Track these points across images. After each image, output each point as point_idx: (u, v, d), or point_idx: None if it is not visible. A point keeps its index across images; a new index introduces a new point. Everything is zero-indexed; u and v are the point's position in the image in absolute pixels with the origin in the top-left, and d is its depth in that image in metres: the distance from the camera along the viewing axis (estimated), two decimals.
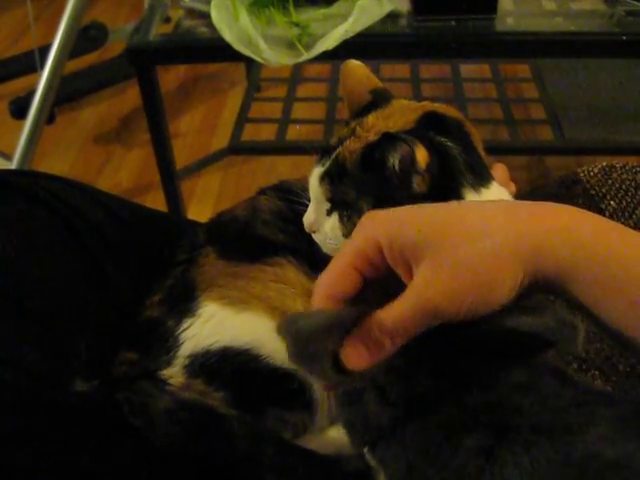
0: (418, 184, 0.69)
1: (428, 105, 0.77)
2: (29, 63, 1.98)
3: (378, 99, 0.79)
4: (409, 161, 0.67)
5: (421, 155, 0.67)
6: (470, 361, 0.55)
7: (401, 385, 0.56)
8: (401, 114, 0.74)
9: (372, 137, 0.72)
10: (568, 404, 0.52)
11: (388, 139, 0.68)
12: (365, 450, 0.62)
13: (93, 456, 0.63)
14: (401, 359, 0.55)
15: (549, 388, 0.53)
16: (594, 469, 0.46)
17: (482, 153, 0.76)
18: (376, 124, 0.74)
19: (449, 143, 0.71)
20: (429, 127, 0.72)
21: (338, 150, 0.73)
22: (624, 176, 0.90)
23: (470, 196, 0.71)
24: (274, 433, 0.72)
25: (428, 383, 0.56)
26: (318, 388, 0.74)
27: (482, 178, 0.73)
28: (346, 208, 0.72)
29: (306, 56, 1.32)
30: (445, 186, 0.70)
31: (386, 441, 0.58)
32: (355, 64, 0.83)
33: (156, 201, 1.93)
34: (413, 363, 0.56)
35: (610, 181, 0.90)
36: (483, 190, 0.73)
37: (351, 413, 0.62)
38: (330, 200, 0.74)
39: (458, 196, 0.71)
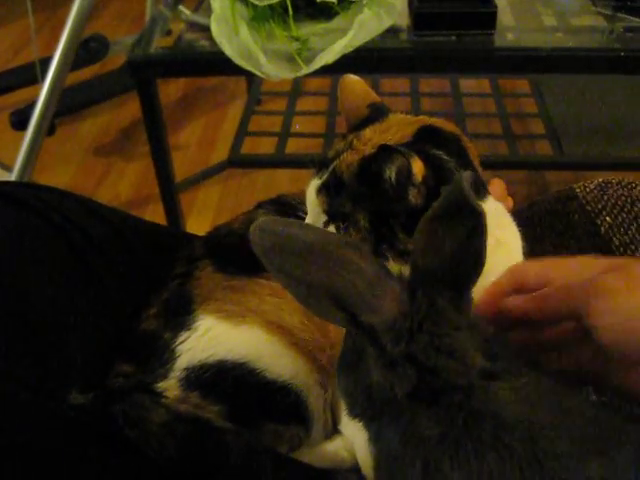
0: (414, 196, 0.69)
1: (425, 119, 0.78)
2: (30, 75, 1.98)
3: (375, 113, 0.79)
4: (405, 173, 0.67)
5: (417, 167, 0.67)
6: None
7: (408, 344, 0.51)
8: (398, 128, 0.75)
9: (369, 150, 0.72)
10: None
11: (385, 151, 0.68)
12: (357, 421, 0.58)
13: (88, 468, 0.62)
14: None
15: None
16: None
17: (478, 168, 0.76)
18: (373, 137, 0.74)
19: (445, 157, 0.71)
20: (425, 141, 0.72)
21: (335, 163, 0.74)
22: (620, 192, 0.90)
23: None
24: (270, 447, 0.72)
25: None
26: (314, 401, 0.74)
27: (477, 192, 0.73)
28: (343, 220, 0.72)
29: (306, 70, 1.32)
30: None
31: (388, 417, 0.53)
32: (353, 79, 0.83)
33: (155, 213, 1.94)
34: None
35: (606, 197, 0.90)
36: None
37: (350, 381, 0.57)
38: (327, 212, 0.74)
39: None
